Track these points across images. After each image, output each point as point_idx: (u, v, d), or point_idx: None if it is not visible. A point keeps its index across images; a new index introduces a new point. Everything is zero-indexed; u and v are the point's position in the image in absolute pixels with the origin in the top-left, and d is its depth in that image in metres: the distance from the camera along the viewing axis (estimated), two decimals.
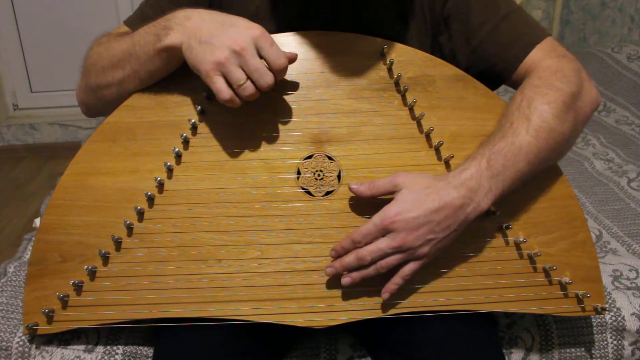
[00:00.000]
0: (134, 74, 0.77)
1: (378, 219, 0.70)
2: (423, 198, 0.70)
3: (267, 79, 0.70)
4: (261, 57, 0.70)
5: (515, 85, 0.83)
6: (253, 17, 0.83)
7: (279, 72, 0.71)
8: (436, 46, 0.86)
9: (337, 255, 0.73)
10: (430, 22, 0.85)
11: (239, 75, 0.69)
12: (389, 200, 0.72)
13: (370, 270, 0.71)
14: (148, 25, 0.75)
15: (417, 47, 0.82)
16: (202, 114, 0.78)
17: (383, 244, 0.70)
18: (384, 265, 0.71)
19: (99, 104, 0.83)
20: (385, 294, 0.73)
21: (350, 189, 0.74)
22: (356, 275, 0.72)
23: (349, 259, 0.71)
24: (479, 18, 0.82)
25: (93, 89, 0.81)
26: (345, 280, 0.73)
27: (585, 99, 0.78)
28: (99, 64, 0.79)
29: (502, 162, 0.71)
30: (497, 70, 0.83)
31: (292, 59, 0.73)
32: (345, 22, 0.82)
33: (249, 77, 0.70)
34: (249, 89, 0.70)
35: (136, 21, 0.86)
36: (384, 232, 0.70)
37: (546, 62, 0.79)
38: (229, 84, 0.70)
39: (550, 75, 0.77)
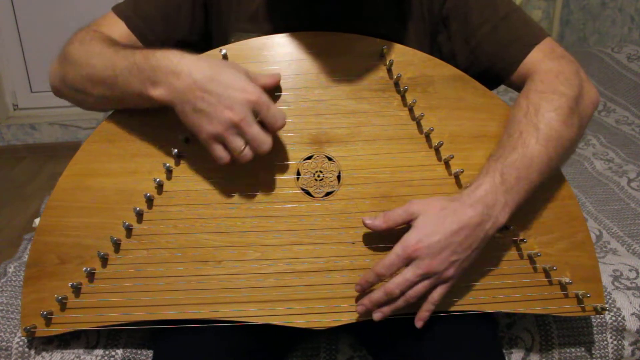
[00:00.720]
0: (115, 100, 0.75)
1: (400, 249, 0.69)
2: (441, 221, 0.69)
3: (265, 146, 0.69)
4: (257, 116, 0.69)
5: (514, 85, 0.83)
6: (253, 18, 0.83)
7: (277, 131, 0.71)
8: (435, 46, 0.86)
9: (362, 290, 0.72)
10: (429, 22, 0.85)
11: (237, 144, 0.69)
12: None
13: (400, 302, 0.71)
14: (129, 58, 0.72)
15: (417, 48, 0.82)
16: None
17: (409, 273, 0.69)
18: (413, 295, 0.70)
19: (72, 100, 0.81)
20: (419, 323, 0.73)
21: (364, 224, 0.73)
22: (387, 309, 0.71)
23: (378, 295, 0.70)
24: (478, 18, 0.82)
25: (68, 86, 0.79)
26: (377, 315, 0.72)
27: (586, 100, 0.78)
28: (77, 70, 0.76)
29: (515, 175, 0.71)
30: (496, 70, 0.83)
31: (276, 82, 0.74)
32: (344, 23, 0.82)
33: (247, 143, 0.69)
34: (247, 155, 0.70)
35: (128, 13, 0.84)
36: (408, 261, 0.69)
37: (546, 64, 0.79)
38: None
39: (553, 79, 0.77)
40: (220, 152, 0.70)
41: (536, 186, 0.73)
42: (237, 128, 0.68)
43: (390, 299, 0.70)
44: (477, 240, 0.70)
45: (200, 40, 0.87)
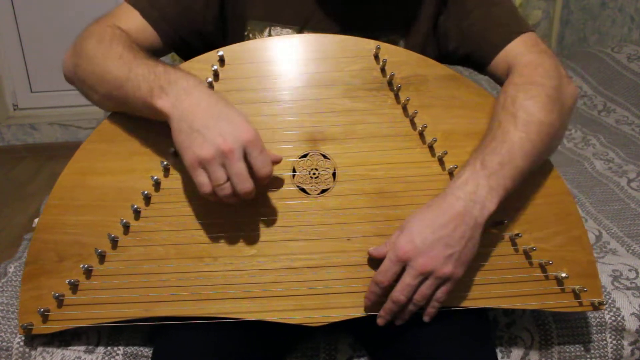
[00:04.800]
0: (119, 101, 0.75)
1: (392, 253, 0.70)
2: (425, 217, 0.70)
3: (246, 186, 0.68)
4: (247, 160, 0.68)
5: (495, 75, 0.85)
6: (270, 4, 0.84)
7: (261, 179, 0.69)
8: (435, 26, 0.88)
9: (372, 302, 0.73)
10: (435, 3, 0.87)
11: (219, 175, 0.67)
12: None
13: (411, 307, 0.72)
14: (149, 66, 0.72)
15: (427, 30, 0.85)
16: None
17: (407, 277, 0.69)
18: (420, 298, 0.71)
19: (80, 91, 0.81)
20: (426, 317, 0.74)
21: (370, 255, 0.74)
22: (404, 315, 0.73)
23: (388, 305, 0.72)
24: (473, 1, 0.84)
25: (79, 79, 0.79)
26: (398, 322, 0.74)
27: (566, 92, 0.79)
28: (91, 67, 0.76)
29: (497, 161, 0.71)
30: (479, 54, 0.85)
31: (276, 161, 0.73)
32: (365, 6, 0.84)
33: (229, 179, 0.68)
34: (226, 190, 0.68)
35: (142, 3, 0.83)
36: (402, 264, 0.69)
37: (527, 57, 0.80)
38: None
39: (532, 71, 0.78)
40: (203, 178, 0.68)
41: (524, 172, 0.73)
42: (223, 158, 0.67)
43: (401, 306, 0.71)
44: (468, 229, 0.69)
45: (216, 30, 0.87)
